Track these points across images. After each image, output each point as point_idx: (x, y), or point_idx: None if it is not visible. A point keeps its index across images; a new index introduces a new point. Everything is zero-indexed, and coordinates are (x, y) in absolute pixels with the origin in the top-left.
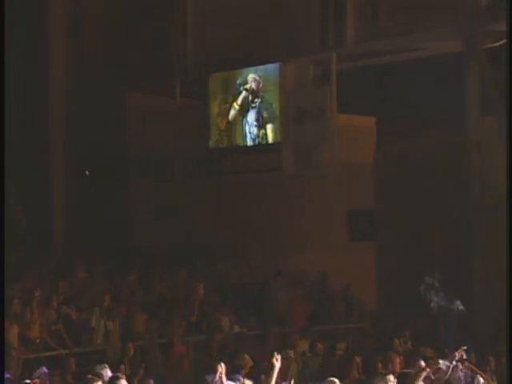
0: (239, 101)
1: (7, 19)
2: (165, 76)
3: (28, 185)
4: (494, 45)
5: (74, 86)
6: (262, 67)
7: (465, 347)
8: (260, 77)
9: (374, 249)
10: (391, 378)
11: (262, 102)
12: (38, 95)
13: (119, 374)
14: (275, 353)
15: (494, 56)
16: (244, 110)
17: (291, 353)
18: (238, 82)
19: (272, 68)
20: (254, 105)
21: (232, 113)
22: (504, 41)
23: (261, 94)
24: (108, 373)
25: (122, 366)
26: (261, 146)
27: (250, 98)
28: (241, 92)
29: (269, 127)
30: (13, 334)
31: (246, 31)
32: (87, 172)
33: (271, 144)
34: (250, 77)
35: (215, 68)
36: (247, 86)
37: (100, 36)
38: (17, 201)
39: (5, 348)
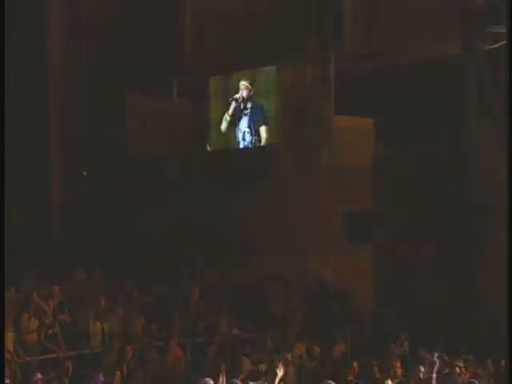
0: (230, 111)
1: (7, 19)
2: (163, 77)
3: (26, 185)
4: (493, 46)
5: (73, 86)
6: (259, 69)
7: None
8: (251, 84)
9: (373, 251)
10: (389, 382)
11: (253, 107)
12: (36, 95)
13: None
14: (278, 362)
15: (493, 58)
16: (236, 119)
17: (288, 356)
18: (230, 90)
19: (270, 69)
20: (246, 111)
21: (224, 124)
22: (503, 42)
23: (253, 99)
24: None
25: (119, 370)
26: (259, 148)
27: (242, 105)
28: (231, 102)
29: (265, 130)
30: (9, 337)
31: (244, 32)
32: (84, 172)
33: (269, 146)
34: (242, 84)
35: (213, 69)
36: (237, 96)
37: (98, 36)
38: (15, 201)
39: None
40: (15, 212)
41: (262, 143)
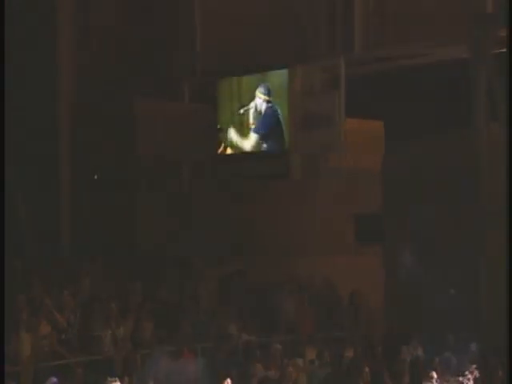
0: (251, 120)
1: (15, 29)
2: (174, 80)
3: (36, 187)
4: (501, 50)
5: (82, 89)
6: (270, 73)
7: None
8: (268, 90)
9: (382, 254)
10: None
11: (268, 111)
12: (46, 99)
13: None
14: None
15: (501, 62)
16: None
17: (300, 361)
18: (243, 93)
19: (280, 73)
20: (260, 117)
21: (247, 139)
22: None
23: (268, 105)
24: None
25: (128, 376)
26: (268, 152)
27: (256, 113)
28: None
29: (278, 137)
30: (25, 343)
31: (254, 36)
32: (95, 176)
33: (279, 150)
34: (258, 91)
35: (224, 73)
36: (252, 104)
37: (109, 40)
38: (24, 204)
39: (16, 357)
40: (26, 215)
41: (282, 147)
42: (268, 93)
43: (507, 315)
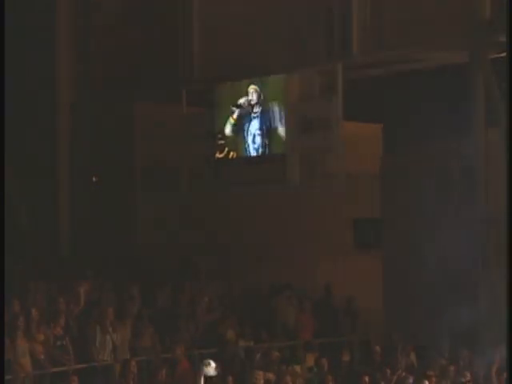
0: (235, 115)
1: (15, 30)
2: (172, 85)
3: (35, 191)
4: (500, 55)
5: (82, 94)
6: (267, 77)
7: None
8: (259, 88)
9: (380, 259)
10: None
11: (263, 111)
12: (45, 104)
13: None
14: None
15: (500, 67)
16: (242, 124)
17: (298, 368)
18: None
19: (278, 78)
20: (254, 115)
21: (228, 128)
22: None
23: (261, 103)
24: None
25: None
26: (266, 156)
27: (250, 109)
28: (236, 107)
29: (273, 137)
30: (22, 350)
31: (252, 41)
32: (94, 179)
33: (277, 154)
34: (251, 88)
35: (222, 77)
36: (241, 101)
37: (107, 45)
38: (24, 212)
39: (12, 365)
40: (25, 216)
41: (274, 151)
42: (259, 87)
43: (507, 315)
